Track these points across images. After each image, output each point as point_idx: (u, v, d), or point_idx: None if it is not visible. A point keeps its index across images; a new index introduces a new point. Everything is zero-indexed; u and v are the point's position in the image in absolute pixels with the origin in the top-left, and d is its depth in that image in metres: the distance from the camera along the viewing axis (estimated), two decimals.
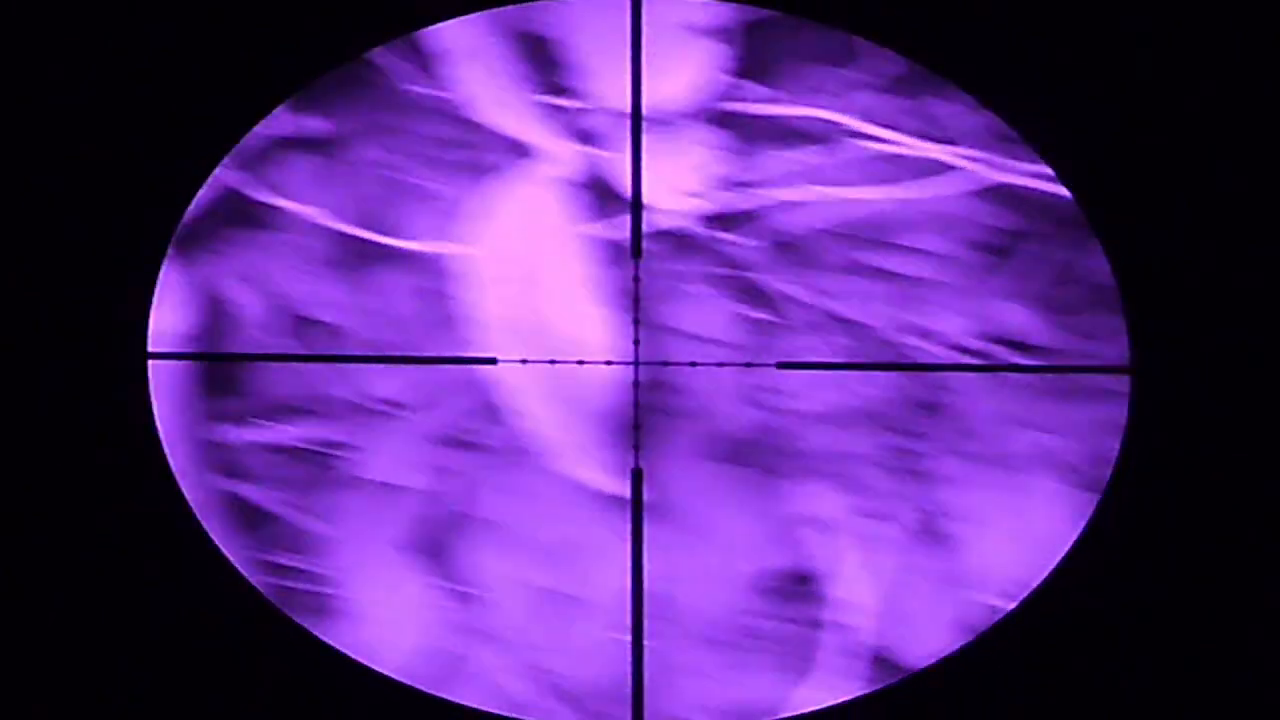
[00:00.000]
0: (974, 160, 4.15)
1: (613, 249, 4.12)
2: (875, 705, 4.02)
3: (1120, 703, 3.99)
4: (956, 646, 4.03)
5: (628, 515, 4.06)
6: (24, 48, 3.99)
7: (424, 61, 4.13)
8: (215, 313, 4.08)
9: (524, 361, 4.08)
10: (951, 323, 4.13)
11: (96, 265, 3.96)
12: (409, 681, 3.99)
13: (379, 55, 4.10)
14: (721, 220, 4.13)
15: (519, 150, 4.13)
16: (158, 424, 3.98)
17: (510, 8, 4.11)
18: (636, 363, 4.09)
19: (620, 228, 4.12)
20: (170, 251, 4.02)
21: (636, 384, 4.08)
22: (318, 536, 4.05)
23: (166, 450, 3.98)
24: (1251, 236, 4.04)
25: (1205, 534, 4.00)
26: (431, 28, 4.10)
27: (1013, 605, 4.05)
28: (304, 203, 4.11)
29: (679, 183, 4.13)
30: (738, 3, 4.12)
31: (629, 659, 4.04)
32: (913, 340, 4.13)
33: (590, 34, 4.15)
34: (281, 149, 4.11)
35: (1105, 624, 4.00)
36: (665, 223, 4.12)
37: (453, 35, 4.13)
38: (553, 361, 4.09)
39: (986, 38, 4.09)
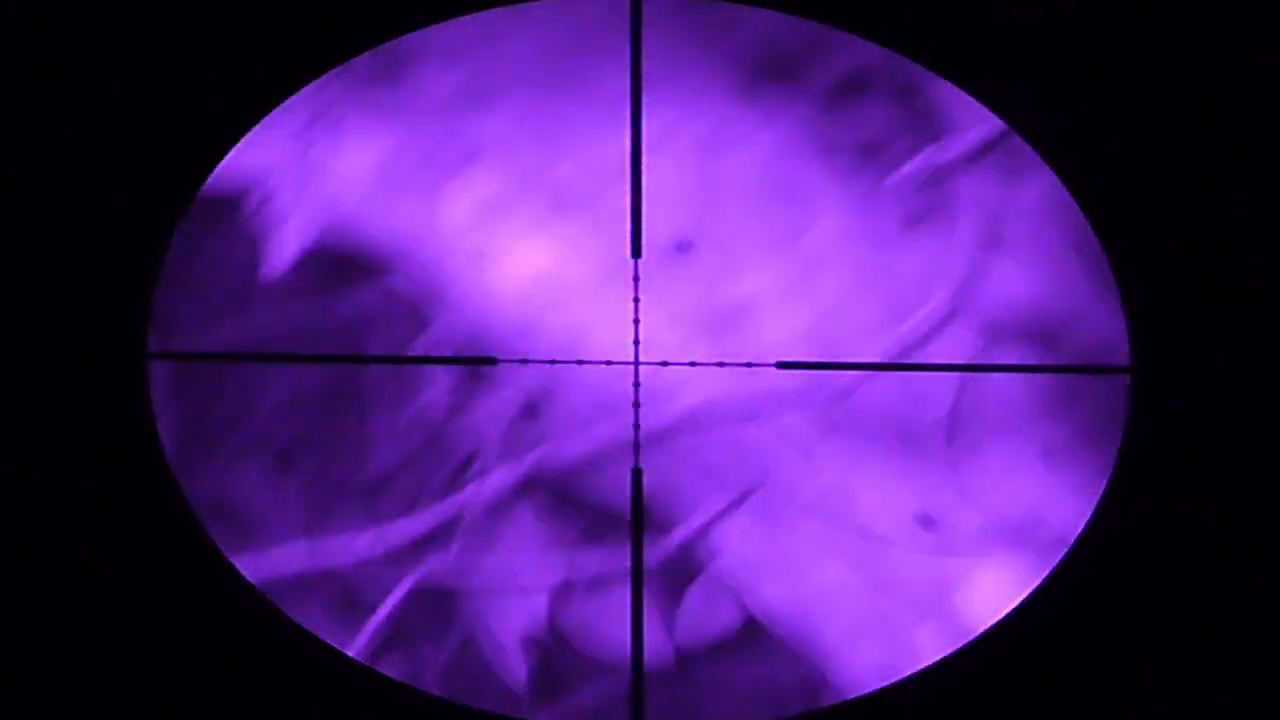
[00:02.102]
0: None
1: (612, 248, 4.11)
2: (875, 705, 4.02)
3: (1120, 703, 3.99)
4: (956, 647, 4.03)
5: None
6: (23, 47, 4.00)
7: (409, 64, 4.14)
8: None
9: (524, 361, 4.08)
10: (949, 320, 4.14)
11: (96, 265, 3.97)
12: (409, 681, 4.00)
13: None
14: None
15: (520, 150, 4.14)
16: (158, 424, 3.98)
17: (508, 9, 4.12)
18: (636, 363, 4.09)
19: (619, 227, 4.12)
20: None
21: (636, 384, 4.08)
22: None
23: (166, 450, 3.99)
24: (1252, 236, 4.04)
25: (1206, 534, 4.00)
26: (429, 28, 4.10)
27: (1012, 605, 4.05)
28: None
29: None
30: (738, 3, 4.12)
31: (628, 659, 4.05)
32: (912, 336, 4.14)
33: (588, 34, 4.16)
34: None
35: (1105, 624, 4.00)
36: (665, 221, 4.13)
37: (440, 37, 4.13)
38: (553, 362, 4.09)
39: (986, 37, 4.09)
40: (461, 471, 4.03)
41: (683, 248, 4.12)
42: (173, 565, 3.95)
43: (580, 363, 4.09)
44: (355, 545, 4.03)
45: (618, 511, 4.04)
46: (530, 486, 4.03)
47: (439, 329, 4.07)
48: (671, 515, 4.06)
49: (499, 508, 4.02)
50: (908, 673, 4.04)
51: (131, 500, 3.94)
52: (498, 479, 4.02)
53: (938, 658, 4.04)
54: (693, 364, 4.10)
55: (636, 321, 4.09)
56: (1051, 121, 4.08)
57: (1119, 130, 4.07)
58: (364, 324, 4.07)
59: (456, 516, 4.02)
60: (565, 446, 4.06)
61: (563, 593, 4.01)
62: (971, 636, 4.04)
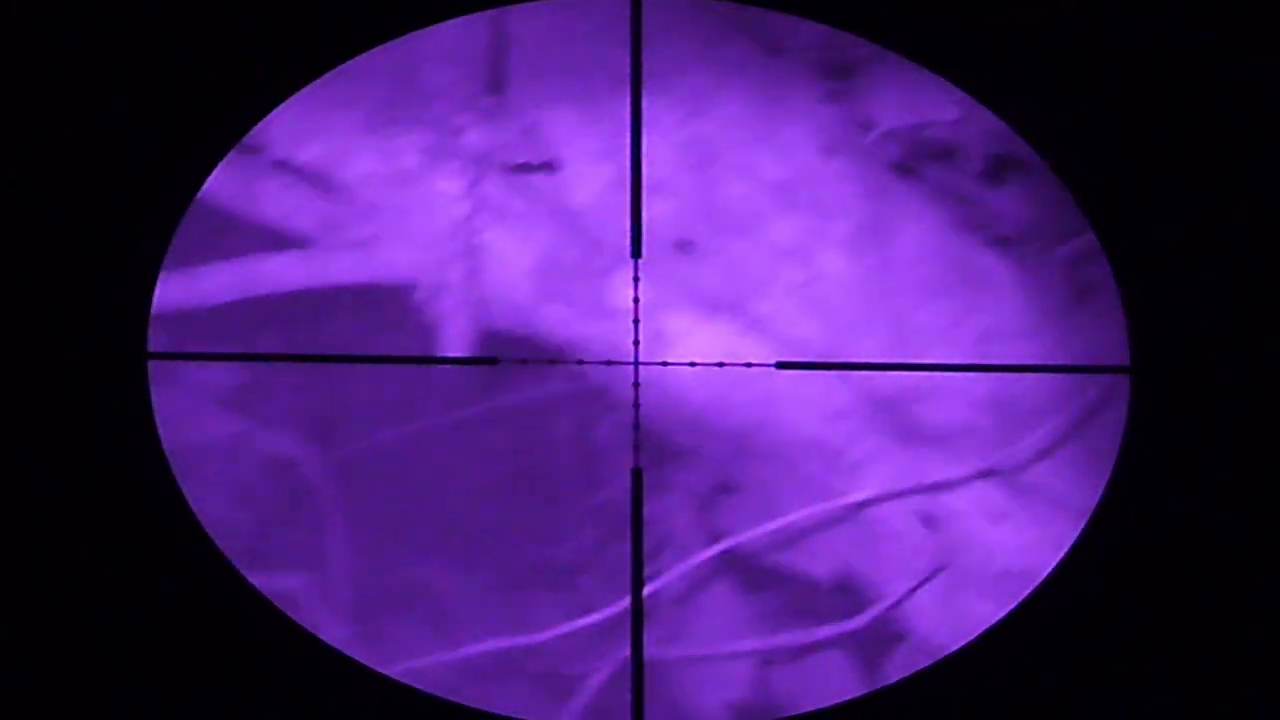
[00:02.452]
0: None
1: (613, 248, 4.11)
2: (874, 706, 4.02)
3: (1119, 703, 3.99)
4: (956, 646, 4.03)
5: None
6: (23, 47, 3.99)
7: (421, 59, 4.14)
8: None
9: (524, 362, 4.08)
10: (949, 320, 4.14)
11: (96, 265, 3.96)
12: (408, 681, 4.00)
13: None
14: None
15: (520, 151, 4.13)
16: (158, 424, 3.98)
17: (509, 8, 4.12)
18: (636, 363, 4.09)
19: (620, 227, 4.12)
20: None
21: (636, 384, 4.08)
22: None
23: (166, 450, 3.98)
24: (1252, 237, 4.04)
25: (1206, 534, 4.00)
26: (429, 28, 4.10)
27: (1012, 605, 4.05)
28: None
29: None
30: (738, 3, 4.12)
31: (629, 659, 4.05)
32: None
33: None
34: None
35: (1104, 625, 4.00)
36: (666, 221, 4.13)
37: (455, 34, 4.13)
38: (552, 361, 4.08)
39: (986, 37, 4.09)
40: (658, 551, 4.06)
41: (683, 247, 4.12)
42: (173, 566, 3.94)
43: (580, 363, 4.09)
44: (554, 627, 4.04)
45: (819, 581, 4.06)
46: (728, 560, 4.05)
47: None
48: (872, 583, 4.09)
49: (699, 583, 4.04)
50: (905, 674, 4.04)
51: (132, 501, 3.93)
52: (695, 556, 4.04)
53: (936, 658, 4.04)
54: (693, 364, 4.10)
55: (636, 321, 4.09)
56: (1051, 121, 4.09)
57: (1119, 130, 4.08)
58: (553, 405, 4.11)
59: (655, 593, 4.04)
60: (760, 522, 4.07)
61: (768, 660, 4.03)
62: (971, 636, 4.04)
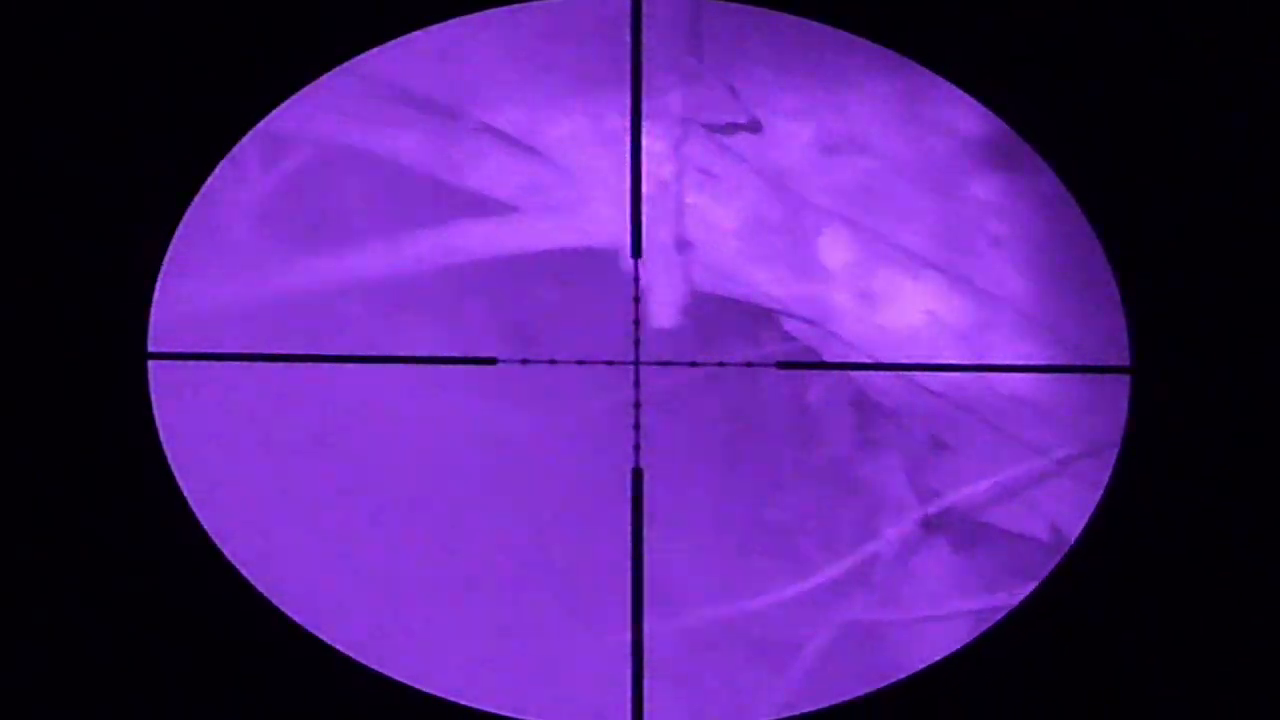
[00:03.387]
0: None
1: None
2: (875, 705, 4.02)
3: (1119, 703, 3.99)
4: (957, 646, 4.03)
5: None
6: (23, 47, 3.99)
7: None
8: None
9: (524, 361, 4.08)
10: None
11: (96, 265, 3.96)
12: (409, 681, 4.00)
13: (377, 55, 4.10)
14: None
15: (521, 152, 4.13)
16: (158, 424, 3.98)
17: (513, 7, 4.12)
18: (636, 363, 4.09)
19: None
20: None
21: (637, 384, 4.08)
22: None
23: (166, 450, 3.98)
24: (1252, 236, 4.05)
25: (1205, 534, 4.00)
26: (433, 27, 4.10)
27: (1013, 605, 4.05)
28: None
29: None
30: (738, 3, 4.12)
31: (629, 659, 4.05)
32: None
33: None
34: None
35: (1105, 625, 4.00)
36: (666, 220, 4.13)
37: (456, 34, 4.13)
38: (552, 361, 4.08)
39: (987, 37, 4.10)
40: (875, 511, 4.02)
41: (683, 247, 4.12)
42: (174, 565, 3.94)
43: (580, 363, 4.09)
44: (775, 590, 4.00)
45: (1031, 537, 4.03)
46: (943, 519, 4.02)
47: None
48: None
49: (913, 543, 4.00)
50: (904, 674, 4.04)
51: (132, 501, 3.93)
52: (910, 516, 4.00)
53: (936, 658, 4.04)
54: (693, 364, 4.10)
55: (636, 322, 4.09)
56: (1051, 121, 4.09)
57: (1119, 130, 4.08)
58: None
59: (873, 555, 4.00)
60: (974, 479, 4.03)
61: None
62: (971, 637, 4.04)
